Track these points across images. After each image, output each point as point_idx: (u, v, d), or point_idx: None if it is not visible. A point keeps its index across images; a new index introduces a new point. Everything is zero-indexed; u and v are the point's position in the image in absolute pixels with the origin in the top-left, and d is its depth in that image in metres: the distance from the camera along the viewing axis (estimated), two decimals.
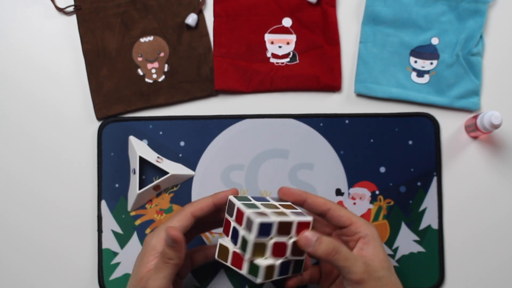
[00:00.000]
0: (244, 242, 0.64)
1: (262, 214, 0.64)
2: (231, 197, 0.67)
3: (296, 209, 0.69)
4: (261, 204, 0.67)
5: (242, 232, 0.65)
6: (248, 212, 0.64)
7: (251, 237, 0.63)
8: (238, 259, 0.65)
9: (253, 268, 0.64)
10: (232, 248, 0.66)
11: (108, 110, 0.83)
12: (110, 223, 0.81)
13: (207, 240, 0.81)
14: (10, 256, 0.82)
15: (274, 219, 0.64)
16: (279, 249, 0.65)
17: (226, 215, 0.67)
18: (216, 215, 0.71)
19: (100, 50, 0.83)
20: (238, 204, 0.65)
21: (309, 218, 0.67)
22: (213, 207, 0.69)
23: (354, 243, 0.67)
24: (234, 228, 0.66)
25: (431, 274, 0.81)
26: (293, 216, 0.66)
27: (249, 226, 0.63)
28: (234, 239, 0.66)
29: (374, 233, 0.66)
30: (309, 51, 0.84)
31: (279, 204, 0.69)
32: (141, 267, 0.66)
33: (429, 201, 0.81)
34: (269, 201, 0.70)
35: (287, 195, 0.69)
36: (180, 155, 0.82)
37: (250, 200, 0.67)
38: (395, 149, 0.82)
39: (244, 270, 0.65)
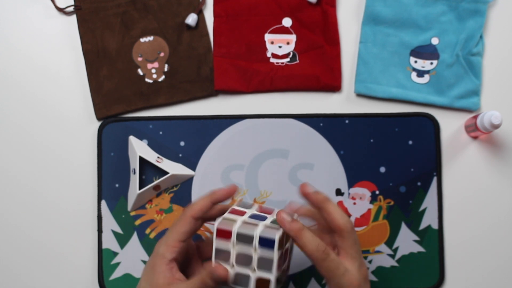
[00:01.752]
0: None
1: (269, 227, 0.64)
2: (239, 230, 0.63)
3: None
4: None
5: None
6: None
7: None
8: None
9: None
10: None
11: (108, 110, 0.83)
12: (110, 223, 0.81)
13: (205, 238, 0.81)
14: (10, 256, 0.82)
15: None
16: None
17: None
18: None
19: (100, 50, 0.83)
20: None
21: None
22: (211, 206, 0.68)
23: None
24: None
25: (431, 274, 0.81)
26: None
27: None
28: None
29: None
30: (309, 51, 0.84)
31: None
32: (156, 276, 0.65)
33: (429, 201, 0.81)
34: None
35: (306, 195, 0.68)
36: (180, 155, 0.82)
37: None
38: (395, 149, 0.82)
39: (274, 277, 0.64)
